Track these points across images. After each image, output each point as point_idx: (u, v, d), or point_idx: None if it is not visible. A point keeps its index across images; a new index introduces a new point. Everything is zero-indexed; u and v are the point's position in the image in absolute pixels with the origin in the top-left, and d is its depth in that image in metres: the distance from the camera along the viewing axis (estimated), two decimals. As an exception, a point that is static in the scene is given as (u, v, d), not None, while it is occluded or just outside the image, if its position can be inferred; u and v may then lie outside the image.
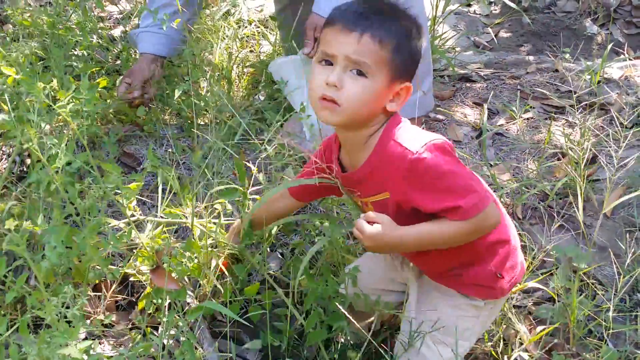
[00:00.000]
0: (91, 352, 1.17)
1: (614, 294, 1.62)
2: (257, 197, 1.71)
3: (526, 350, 1.57)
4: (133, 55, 2.38)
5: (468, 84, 2.66)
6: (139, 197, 1.92)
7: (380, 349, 1.43)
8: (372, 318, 1.43)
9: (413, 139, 1.14)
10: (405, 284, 1.39)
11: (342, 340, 1.52)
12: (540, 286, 1.69)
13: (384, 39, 1.10)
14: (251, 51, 2.67)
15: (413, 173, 1.12)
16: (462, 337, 1.28)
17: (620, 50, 2.99)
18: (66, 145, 1.31)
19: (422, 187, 1.12)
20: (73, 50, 2.25)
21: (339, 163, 1.27)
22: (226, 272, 1.46)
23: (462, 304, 1.28)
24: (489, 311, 1.30)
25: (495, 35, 3.27)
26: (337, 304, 1.33)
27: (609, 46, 2.60)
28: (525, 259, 1.63)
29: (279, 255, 1.81)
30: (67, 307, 1.12)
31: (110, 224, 1.49)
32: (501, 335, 1.61)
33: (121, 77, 2.14)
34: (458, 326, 1.27)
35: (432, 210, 1.14)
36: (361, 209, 1.31)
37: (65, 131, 1.83)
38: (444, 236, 1.15)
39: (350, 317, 1.30)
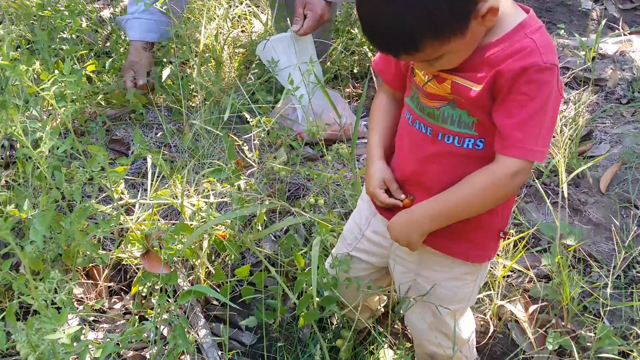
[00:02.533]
0: (82, 337, 1.16)
1: (610, 271, 1.61)
2: (250, 180, 1.69)
3: (522, 328, 1.56)
4: (122, 37, 2.34)
5: (462, 62, 2.62)
6: (130, 181, 1.90)
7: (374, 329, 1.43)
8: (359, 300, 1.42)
9: (549, 50, 1.01)
10: (384, 268, 1.35)
11: (336, 321, 1.51)
12: (524, 268, 1.68)
13: (417, 37, 0.97)
14: (242, 31, 2.63)
15: (525, 74, 0.99)
16: (464, 300, 1.28)
17: (615, 26, 2.95)
18: (51, 129, 1.29)
19: (516, 93, 1.00)
20: (62, 33, 2.21)
21: None
22: (225, 244, 1.44)
23: (460, 275, 1.24)
24: (485, 269, 1.27)
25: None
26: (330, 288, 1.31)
27: (603, 22, 2.56)
28: (522, 237, 1.62)
29: (273, 237, 1.80)
30: (57, 293, 1.10)
31: (98, 209, 1.48)
32: (495, 312, 1.60)
33: (121, 72, 2.13)
34: (461, 293, 1.25)
35: (494, 119, 1.03)
36: (422, 86, 1.12)
37: (51, 115, 1.80)
38: (477, 191, 1.06)
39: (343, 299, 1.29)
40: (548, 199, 1.91)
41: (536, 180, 1.93)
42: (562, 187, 1.45)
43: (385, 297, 1.54)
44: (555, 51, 1.04)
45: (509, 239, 1.61)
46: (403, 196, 1.17)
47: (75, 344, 1.11)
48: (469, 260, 1.21)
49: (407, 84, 1.18)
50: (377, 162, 1.21)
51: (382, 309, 1.55)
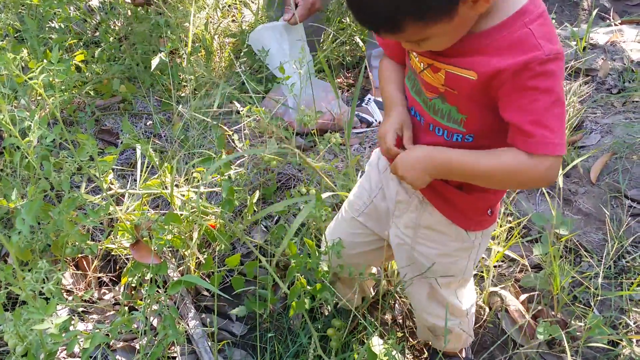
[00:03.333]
0: (71, 328, 1.15)
1: (601, 261, 1.62)
2: (239, 170, 1.68)
3: (512, 318, 1.57)
4: (112, 27, 2.32)
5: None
6: (120, 171, 1.88)
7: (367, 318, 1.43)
8: (355, 288, 1.42)
9: (550, 40, 0.98)
10: (380, 239, 1.36)
11: (327, 310, 1.51)
12: (516, 257, 1.68)
13: (399, 19, 0.94)
14: (233, 21, 2.61)
15: (528, 70, 0.96)
16: (463, 274, 1.28)
17: (606, 16, 2.95)
18: (39, 118, 1.27)
19: (522, 89, 0.98)
20: (50, 22, 2.18)
21: None
22: (215, 233, 1.44)
23: (453, 251, 1.25)
24: (479, 246, 1.26)
25: None
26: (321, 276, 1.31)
27: (595, 12, 2.56)
28: (512, 227, 1.63)
29: (264, 228, 1.79)
30: (42, 283, 1.09)
31: (87, 199, 1.46)
32: (486, 301, 1.61)
33: None
34: (455, 268, 1.27)
35: (507, 117, 1.00)
36: (421, 73, 1.11)
37: (39, 105, 1.78)
38: (502, 169, 1.03)
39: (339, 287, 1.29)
40: (538, 189, 1.91)
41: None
42: (560, 177, 1.45)
43: (374, 282, 1.55)
44: (557, 38, 1.00)
45: (501, 227, 1.61)
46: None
47: (63, 334, 1.10)
48: (459, 224, 1.21)
49: (406, 63, 1.17)
50: (398, 107, 1.17)
51: (373, 294, 1.55)
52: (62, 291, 1.59)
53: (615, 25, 2.77)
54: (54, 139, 1.34)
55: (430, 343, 1.50)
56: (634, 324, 1.56)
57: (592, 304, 1.53)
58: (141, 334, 1.31)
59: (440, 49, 1.01)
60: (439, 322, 1.34)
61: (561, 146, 0.99)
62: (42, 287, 1.00)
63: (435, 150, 1.08)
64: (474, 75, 1.00)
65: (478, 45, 1.00)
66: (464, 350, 1.52)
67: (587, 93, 2.22)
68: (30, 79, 1.27)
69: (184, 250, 1.57)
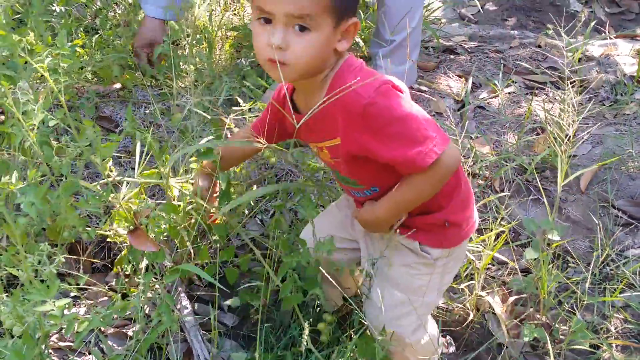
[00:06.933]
0: (65, 311, 1.16)
1: (587, 267, 1.66)
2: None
3: (498, 320, 1.60)
4: (112, 14, 2.32)
5: (452, 57, 2.65)
6: (117, 159, 1.89)
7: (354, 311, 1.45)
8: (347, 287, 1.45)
9: (366, 83, 1.09)
10: (355, 241, 1.40)
11: (319, 303, 1.53)
12: (506, 260, 1.72)
13: None
14: (235, 14, 2.62)
15: (366, 119, 1.08)
16: (417, 293, 1.29)
17: (602, 29, 3.00)
18: (42, 101, 1.28)
19: (375, 133, 1.09)
20: (51, 6, 2.18)
21: (294, 105, 1.23)
22: (213, 228, 1.45)
23: (413, 263, 1.27)
24: (443, 267, 1.29)
25: (482, 7, 3.25)
26: (313, 271, 1.33)
27: (592, 24, 2.61)
28: (502, 232, 1.66)
29: (259, 222, 1.81)
30: (42, 265, 1.10)
31: (85, 185, 1.47)
32: (474, 303, 1.64)
33: (135, 44, 2.15)
34: (412, 283, 1.28)
35: (387, 159, 1.11)
36: (316, 154, 1.30)
37: (42, 89, 1.79)
38: (416, 192, 1.16)
39: (327, 283, 1.31)
40: (530, 195, 1.95)
41: (519, 177, 1.97)
42: (559, 187, 1.51)
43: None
44: (372, 76, 1.11)
45: (491, 231, 1.64)
46: None
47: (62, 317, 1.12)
48: (420, 241, 1.26)
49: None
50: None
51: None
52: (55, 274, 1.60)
53: (611, 38, 2.82)
54: (53, 124, 1.35)
55: None
56: (615, 329, 1.60)
57: (577, 308, 1.57)
58: (138, 320, 1.32)
59: (298, 59, 1.08)
60: (384, 343, 1.31)
61: (438, 144, 1.10)
62: (44, 269, 1.01)
63: (375, 208, 1.23)
64: (338, 140, 1.15)
65: (317, 119, 1.13)
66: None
67: (580, 104, 2.27)
68: (37, 62, 1.27)
69: (178, 240, 1.58)
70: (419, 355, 1.34)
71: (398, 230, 1.26)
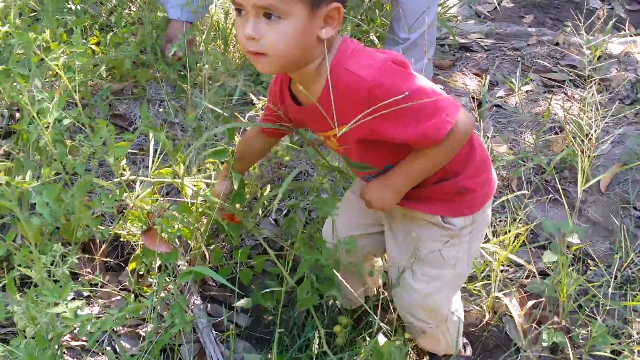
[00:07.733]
0: (78, 312, 1.15)
1: (608, 270, 1.62)
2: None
3: (516, 323, 1.57)
4: (127, 11, 2.31)
5: (468, 54, 2.62)
6: (132, 157, 1.88)
7: (370, 312, 1.43)
8: (365, 287, 1.42)
9: (367, 65, 1.06)
10: (380, 224, 1.37)
11: (337, 304, 1.51)
12: (523, 263, 1.69)
13: None
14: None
15: (374, 103, 1.04)
16: (448, 266, 1.27)
17: (622, 26, 2.95)
18: (57, 99, 1.27)
19: (385, 115, 1.05)
20: (66, 3, 2.18)
21: (292, 96, 1.20)
22: (226, 227, 1.44)
23: (440, 236, 1.25)
24: (469, 235, 1.26)
25: (499, 4, 3.21)
26: (332, 271, 1.31)
27: (611, 22, 2.56)
28: (520, 233, 1.63)
29: (272, 221, 1.79)
30: (55, 266, 1.09)
31: (99, 184, 1.46)
32: (491, 305, 1.61)
33: (164, 43, 2.17)
34: (442, 257, 1.26)
35: (401, 139, 1.08)
36: (324, 143, 1.26)
37: (56, 87, 1.78)
38: (432, 161, 1.14)
39: (345, 284, 1.29)
40: (548, 195, 1.92)
41: (536, 177, 1.94)
42: (580, 190, 1.48)
43: (380, 283, 1.56)
44: (372, 56, 1.08)
45: (509, 231, 1.61)
46: None
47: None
48: (439, 213, 1.24)
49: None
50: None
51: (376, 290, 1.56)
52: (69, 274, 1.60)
53: (630, 36, 2.77)
54: (68, 123, 1.34)
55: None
56: (637, 334, 1.57)
57: (599, 312, 1.54)
58: (151, 320, 1.31)
59: (274, 49, 1.04)
60: (418, 323, 1.33)
61: (450, 112, 1.07)
62: (58, 270, 1.00)
63: (386, 177, 1.20)
64: (346, 127, 1.09)
65: (326, 106, 1.09)
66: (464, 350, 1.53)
67: (600, 102, 2.22)
68: (51, 60, 1.26)
69: (192, 240, 1.57)
70: (450, 331, 1.35)
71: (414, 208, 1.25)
